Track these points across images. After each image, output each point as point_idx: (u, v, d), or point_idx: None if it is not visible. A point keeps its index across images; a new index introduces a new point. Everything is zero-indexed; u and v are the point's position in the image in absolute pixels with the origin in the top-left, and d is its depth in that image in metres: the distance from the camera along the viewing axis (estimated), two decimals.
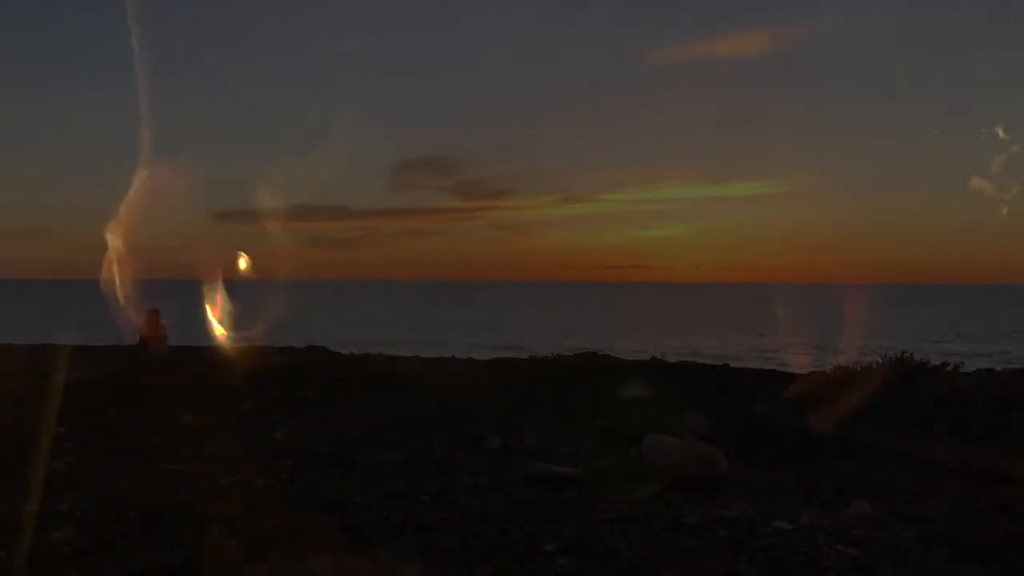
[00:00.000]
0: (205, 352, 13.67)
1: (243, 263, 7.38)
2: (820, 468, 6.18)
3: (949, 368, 11.92)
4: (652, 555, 4.03)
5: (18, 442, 5.94)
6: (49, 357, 11.01)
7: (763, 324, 51.89)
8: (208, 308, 7.56)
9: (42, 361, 10.72)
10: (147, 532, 4.13)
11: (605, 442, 6.65)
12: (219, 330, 7.54)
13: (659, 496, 5.09)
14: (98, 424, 7.37)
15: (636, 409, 7.78)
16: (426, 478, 5.59)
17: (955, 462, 6.30)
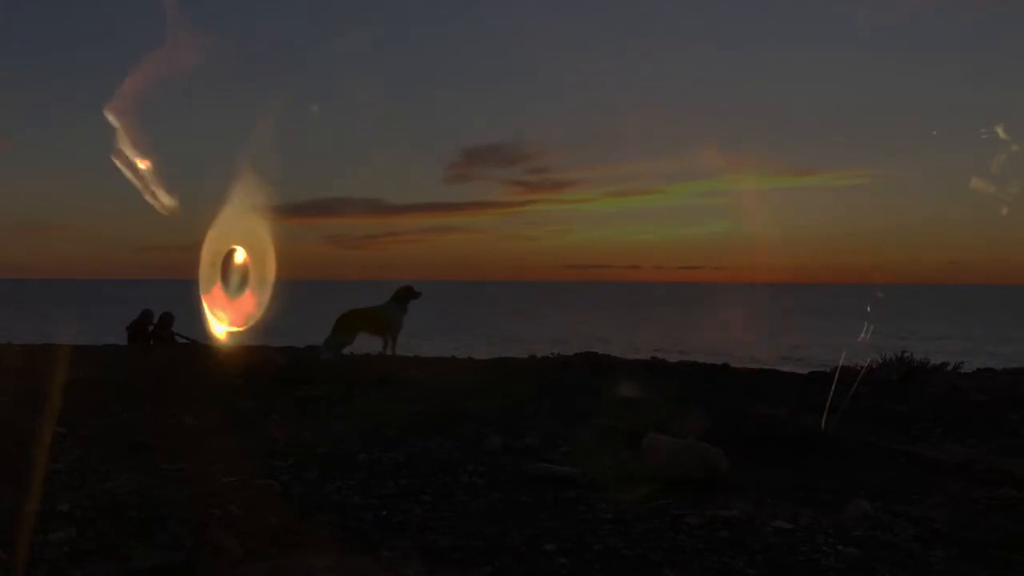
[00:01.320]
0: (205, 351, 13.67)
1: (240, 257, 7.34)
2: (820, 468, 6.18)
3: (949, 368, 11.92)
4: (652, 555, 4.03)
5: (18, 442, 5.95)
6: (49, 356, 11.02)
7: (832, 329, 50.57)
8: (207, 306, 7.53)
9: (42, 360, 10.72)
10: (147, 532, 4.13)
11: (605, 442, 6.64)
12: (219, 329, 7.51)
13: (659, 496, 5.10)
14: (98, 424, 7.37)
15: (636, 409, 7.78)
16: (426, 478, 5.59)
17: (955, 462, 6.30)
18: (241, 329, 7.52)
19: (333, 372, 11.42)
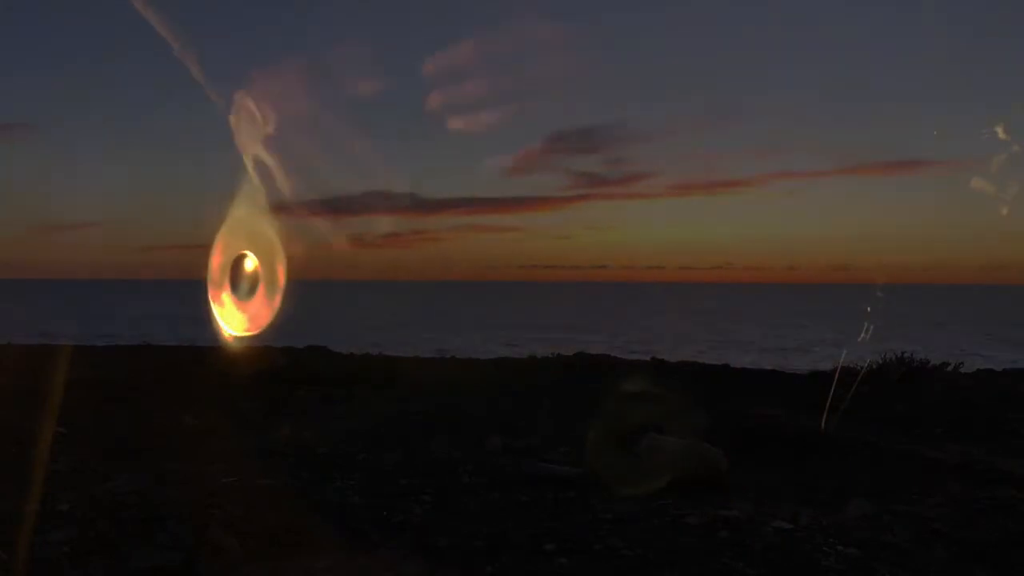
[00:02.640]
0: (206, 352, 13.67)
1: (250, 262, 7.30)
2: (820, 468, 6.18)
3: (949, 368, 11.93)
4: (652, 555, 4.03)
5: (18, 442, 5.95)
6: (49, 356, 11.02)
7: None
8: (214, 306, 7.51)
9: (42, 360, 10.72)
10: (147, 532, 4.13)
11: (605, 442, 6.65)
12: (226, 329, 7.48)
13: (659, 496, 5.10)
14: (98, 424, 7.37)
15: (636, 409, 7.78)
16: (426, 478, 5.59)
17: (955, 462, 6.30)
18: (251, 334, 7.49)
19: (334, 372, 11.43)
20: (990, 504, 5.09)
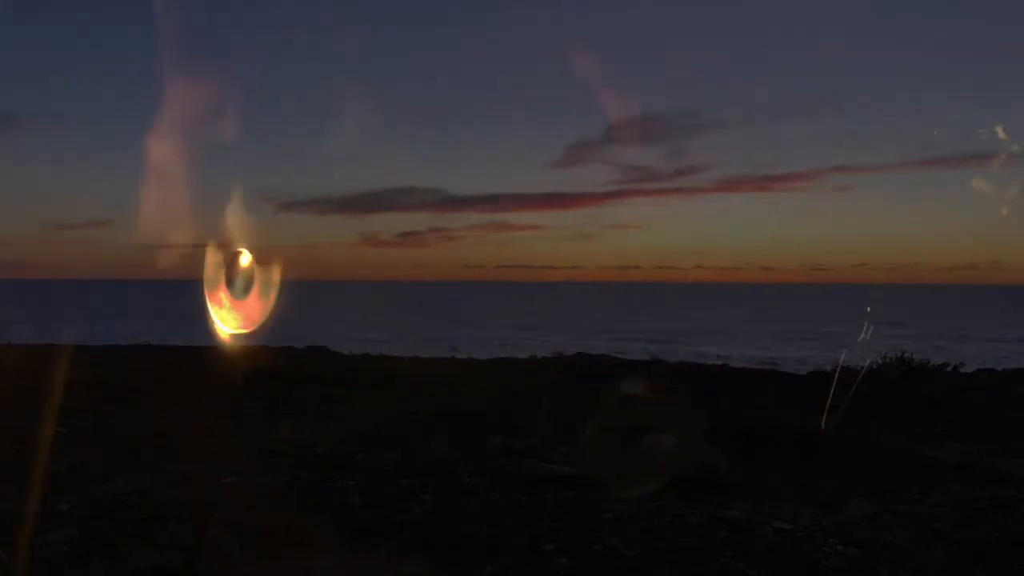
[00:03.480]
0: (206, 352, 13.67)
1: (245, 260, 7.29)
2: (820, 468, 6.18)
3: (949, 368, 11.93)
4: (652, 555, 4.03)
5: (18, 442, 5.95)
6: (50, 356, 11.02)
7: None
8: (211, 306, 7.49)
9: (43, 360, 10.72)
10: (147, 532, 4.13)
11: (605, 442, 6.64)
12: (223, 329, 7.47)
13: (659, 496, 5.10)
14: (98, 424, 7.37)
15: (636, 409, 7.78)
16: (426, 478, 5.59)
17: (955, 462, 6.30)
18: (247, 332, 7.47)
19: (334, 372, 11.43)
20: (990, 504, 5.09)
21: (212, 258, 7.36)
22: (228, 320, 7.75)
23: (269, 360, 12.00)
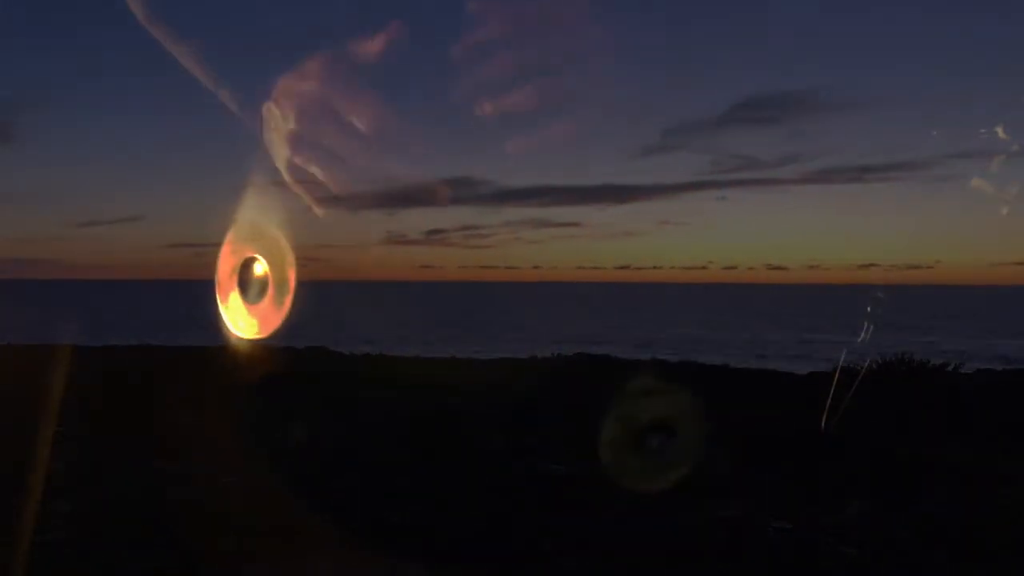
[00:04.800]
0: (206, 352, 13.67)
1: (259, 267, 7.26)
2: (820, 468, 6.18)
3: (949, 368, 11.91)
4: (652, 555, 4.03)
5: (19, 442, 5.95)
6: (51, 356, 11.02)
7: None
8: (221, 308, 7.48)
9: (44, 361, 10.73)
10: (147, 533, 4.13)
11: (604, 442, 6.65)
12: (237, 334, 7.45)
13: (659, 496, 5.10)
14: (99, 424, 7.37)
15: (636, 409, 7.78)
16: (426, 478, 5.59)
17: (955, 462, 6.30)
18: (260, 337, 7.46)
19: (334, 372, 11.43)
20: (991, 504, 5.09)
21: (226, 263, 7.33)
22: (242, 325, 7.74)
23: (270, 361, 12.00)
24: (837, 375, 8.35)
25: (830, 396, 7.64)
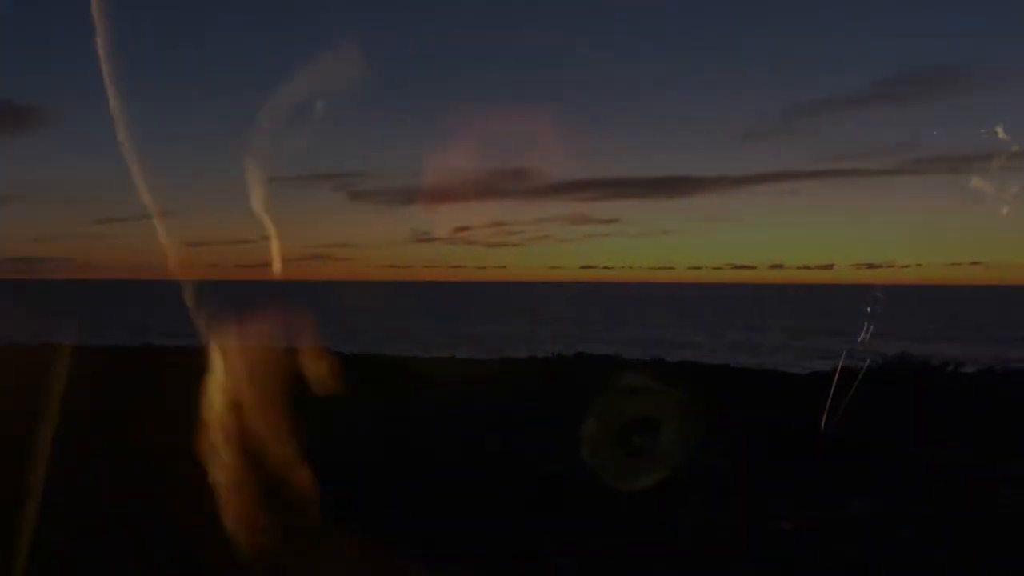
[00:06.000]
0: (206, 352, 13.64)
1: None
2: (820, 468, 6.18)
3: (949, 368, 11.92)
4: (651, 554, 4.03)
5: (19, 443, 5.95)
6: (51, 357, 11.02)
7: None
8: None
9: (44, 361, 10.72)
10: (147, 533, 4.13)
11: (604, 442, 6.65)
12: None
13: (659, 496, 5.10)
14: (100, 424, 7.37)
15: (636, 408, 7.78)
16: (426, 478, 5.60)
17: (955, 462, 6.30)
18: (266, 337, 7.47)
19: (335, 373, 11.42)
20: (990, 504, 5.09)
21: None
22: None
23: (271, 360, 11.98)
24: (837, 375, 8.36)
25: (830, 396, 7.64)
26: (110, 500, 4.90)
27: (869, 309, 7.95)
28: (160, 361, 13.16)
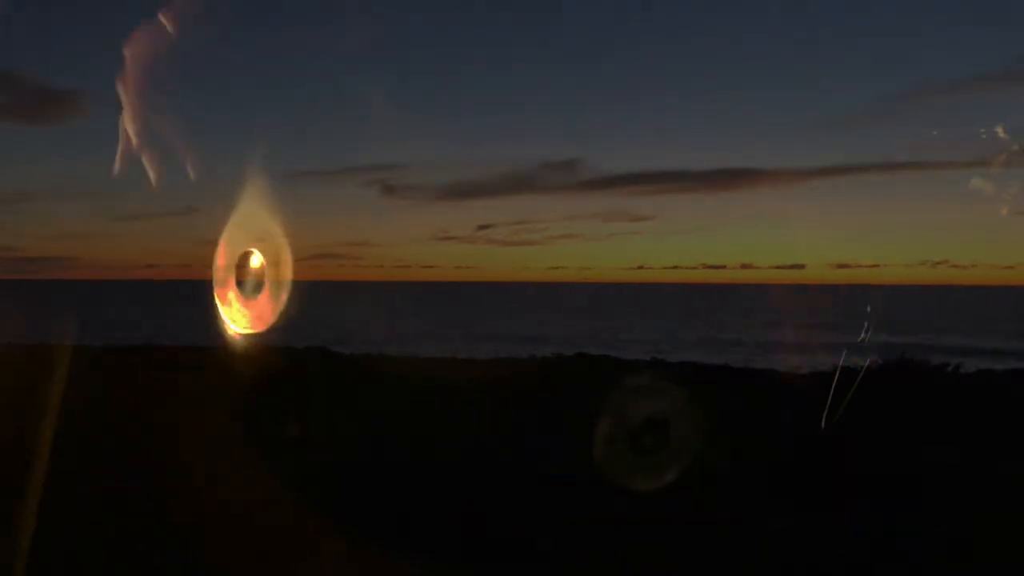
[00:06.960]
0: (208, 352, 13.67)
1: (256, 260, 7.24)
2: (821, 468, 6.18)
3: (949, 368, 11.92)
4: (651, 555, 4.03)
5: (19, 443, 5.95)
6: (51, 357, 11.02)
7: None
8: (221, 308, 7.46)
9: (44, 361, 10.72)
10: (148, 533, 4.13)
11: (604, 442, 6.65)
12: (231, 327, 7.42)
13: (659, 496, 5.10)
14: (99, 424, 7.37)
15: (636, 409, 7.78)
16: (426, 478, 5.60)
17: (955, 462, 6.30)
18: (257, 332, 7.44)
19: (333, 373, 11.43)
20: (990, 504, 5.09)
21: (224, 258, 7.29)
22: (238, 320, 7.72)
23: (270, 361, 11.99)
24: (837, 375, 8.36)
25: (830, 396, 7.64)
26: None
27: (869, 309, 7.94)
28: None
